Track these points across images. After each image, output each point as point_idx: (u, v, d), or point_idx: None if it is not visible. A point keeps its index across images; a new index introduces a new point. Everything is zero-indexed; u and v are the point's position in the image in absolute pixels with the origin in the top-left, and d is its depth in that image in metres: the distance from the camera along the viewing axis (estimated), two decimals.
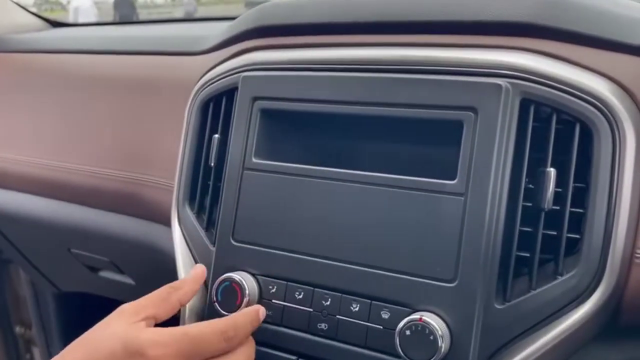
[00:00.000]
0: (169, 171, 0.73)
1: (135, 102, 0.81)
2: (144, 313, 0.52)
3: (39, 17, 1.21)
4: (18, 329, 1.53)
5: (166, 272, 0.69)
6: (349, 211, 0.55)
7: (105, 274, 1.09)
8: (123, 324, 0.50)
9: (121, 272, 1.03)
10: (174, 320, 0.56)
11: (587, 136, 0.50)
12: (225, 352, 0.50)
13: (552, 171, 0.50)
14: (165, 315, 0.54)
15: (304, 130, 0.61)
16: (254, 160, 0.61)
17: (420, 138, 0.56)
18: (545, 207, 0.49)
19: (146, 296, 0.54)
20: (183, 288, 0.56)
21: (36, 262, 1.20)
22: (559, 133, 0.51)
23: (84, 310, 1.36)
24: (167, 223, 0.72)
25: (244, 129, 0.62)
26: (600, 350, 0.54)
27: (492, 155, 0.50)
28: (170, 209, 0.71)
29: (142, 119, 0.80)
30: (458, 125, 0.52)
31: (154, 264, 0.89)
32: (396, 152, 0.57)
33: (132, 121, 0.80)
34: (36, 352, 1.52)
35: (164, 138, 0.76)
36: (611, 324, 0.52)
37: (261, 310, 0.55)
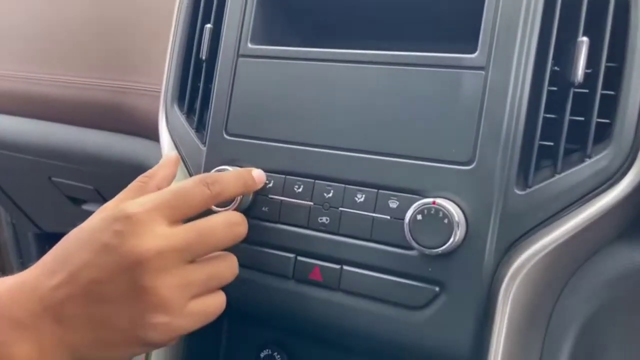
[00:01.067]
0: (157, 74, 0.67)
1: (116, 4, 0.74)
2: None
3: None
4: None
5: None
6: (354, 95, 0.50)
7: (89, 207, 1.04)
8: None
9: (105, 201, 0.97)
10: None
11: (623, 7, 0.45)
12: (208, 204, 0.46)
13: (584, 40, 0.44)
14: None
15: (304, 9, 0.55)
16: (249, 45, 0.55)
17: (435, 9, 0.50)
18: (577, 80, 0.44)
19: (122, 192, 0.50)
20: (157, 174, 0.51)
21: (16, 197, 1.14)
22: (591, 4, 0.46)
23: None
24: (156, 137, 0.66)
25: (239, 13, 0.56)
26: (625, 250, 0.50)
27: (518, 24, 0.45)
28: (158, 117, 0.65)
29: (127, 17, 0.73)
30: None
31: None
32: (407, 28, 0.52)
33: (115, 20, 0.74)
34: None
35: (151, 37, 0.70)
36: (638, 219, 0.48)
37: (256, 172, 0.51)
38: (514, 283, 0.44)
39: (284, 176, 0.52)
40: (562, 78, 0.46)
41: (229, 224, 0.46)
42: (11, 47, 0.83)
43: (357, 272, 0.49)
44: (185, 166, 0.61)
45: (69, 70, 0.77)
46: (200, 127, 0.61)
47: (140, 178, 0.51)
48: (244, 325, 0.61)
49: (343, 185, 0.50)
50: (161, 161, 0.53)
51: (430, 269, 0.46)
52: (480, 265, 0.45)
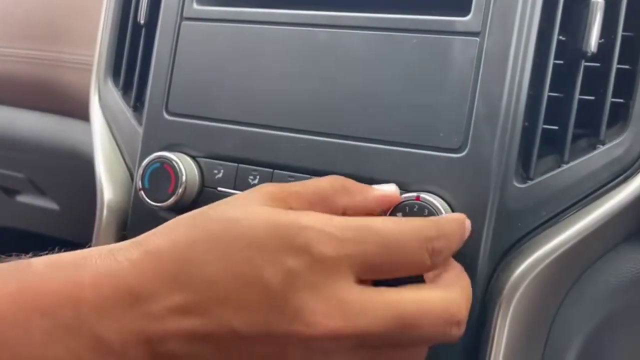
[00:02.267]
0: (92, 45, 0.57)
1: None
2: (293, 202, 0.32)
3: None
4: None
5: (95, 191, 0.53)
6: (320, 66, 0.41)
7: (23, 198, 0.93)
8: (269, 208, 0.31)
9: (42, 192, 0.86)
10: None
11: None
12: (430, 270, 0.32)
13: (599, 2, 0.37)
14: None
15: None
16: (195, 6, 0.46)
17: None
18: (590, 50, 0.37)
19: (301, 182, 0.35)
20: (360, 195, 0.35)
21: None
22: None
23: (5, 248, 1.18)
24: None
25: None
26: (633, 253, 0.43)
27: None
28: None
29: None
30: None
31: (78, 179, 0.73)
32: None
33: None
34: None
35: (85, 2, 0.59)
36: None
37: (467, 222, 0.35)
38: (513, 298, 0.36)
39: (236, 164, 0.43)
40: (570, 49, 0.39)
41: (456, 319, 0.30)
42: None
43: None
44: (120, 152, 0.51)
45: None
46: (138, 106, 0.51)
47: (336, 182, 0.35)
48: None
49: (308, 176, 0.41)
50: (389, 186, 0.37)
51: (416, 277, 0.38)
52: (472, 274, 0.37)
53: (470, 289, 0.33)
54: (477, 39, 0.37)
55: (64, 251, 0.31)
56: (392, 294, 0.29)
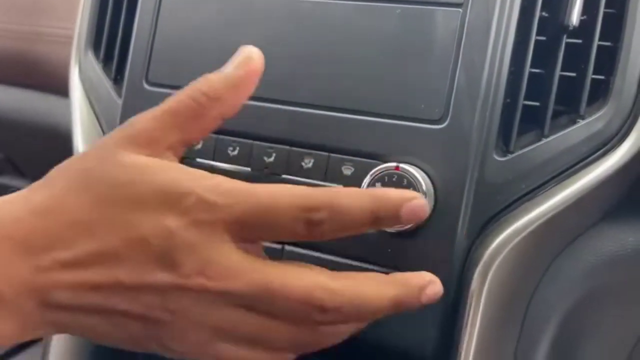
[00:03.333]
0: (72, 17, 0.56)
1: None
2: (166, 139, 0.33)
3: None
4: None
5: None
6: (304, 37, 0.41)
7: (4, 180, 0.91)
8: (139, 155, 0.32)
9: (21, 174, 0.85)
10: None
11: None
12: (308, 238, 0.31)
13: None
14: (197, 140, 0.37)
15: None
16: None
17: None
18: (571, 24, 0.37)
19: (163, 107, 0.34)
20: (225, 97, 0.34)
21: None
22: None
23: None
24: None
25: None
26: (612, 232, 0.43)
27: None
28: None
29: None
30: None
31: (60, 160, 0.72)
32: None
33: None
34: None
35: None
36: (631, 195, 0.41)
37: (417, 203, 0.31)
38: (489, 270, 0.36)
39: (215, 136, 0.43)
40: (552, 25, 0.39)
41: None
42: None
43: (300, 253, 0.40)
44: (100, 125, 0.51)
45: None
46: (119, 79, 0.51)
47: (197, 95, 0.33)
48: None
49: (287, 147, 0.41)
50: (231, 70, 0.35)
51: (389, 250, 0.38)
52: (450, 247, 0.37)
53: (365, 297, 0.31)
54: (459, 10, 0.37)
55: None
56: (265, 264, 0.30)
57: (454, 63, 0.37)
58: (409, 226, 0.36)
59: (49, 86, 0.64)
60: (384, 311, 0.31)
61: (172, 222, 0.29)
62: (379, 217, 0.31)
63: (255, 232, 0.31)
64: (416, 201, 0.31)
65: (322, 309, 0.30)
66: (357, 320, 0.32)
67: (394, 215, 0.31)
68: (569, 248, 0.42)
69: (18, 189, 0.88)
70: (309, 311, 0.30)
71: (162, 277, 0.29)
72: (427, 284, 0.32)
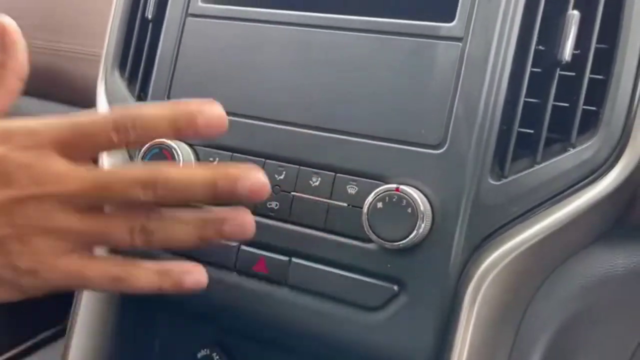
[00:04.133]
0: (100, 37, 0.60)
1: None
2: None
3: None
4: None
5: None
6: (314, 64, 0.44)
7: None
8: None
9: None
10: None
11: None
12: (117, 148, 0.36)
13: (575, 14, 0.39)
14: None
15: None
16: (200, 4, 0.49)
17: None
18: (564, 59, 0.39)
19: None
20: (15, 58, 0.40)
21: None
22: None
23: None
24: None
25: None
26: (603, 253, 0.45)
27: None
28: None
29: None
30: None
31: None
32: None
33: None
34: None
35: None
36: (621, 219, 0.44)
37: (207, 108, 0.35)
38: (482, 284, 0.39)
39: (230, 154, 0.46)
40: (547, 58, 0.41)
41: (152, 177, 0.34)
42: None
43: (307, 266, 0.43)
44: None
45: None
46: (142, 96, 0.54)
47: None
48: (181, 320, 0.55)
49: (297, 166, 0.44)
50: None
51: (389, 265, 0.40)
52: (446, 263, 0.39)
53: (182, 173, 0.35)
54: (459, 44, 0.40)
55: None
56: (93, 168, 0.36)
57: (453, 92, 0.40)
58: (408, 242, 0.38)
59: (74, 100, 0.68)
60: (199, 184, 0.34)
61: (2, 150, 0.34)
62: (179, 128, 0.35)
63: (77, 148, 0.35)
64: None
65: (145, 184, 0.34)
66: (181, 198, 0.35)
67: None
68: (562, 267, 0.44)
69: None
70: (137, 191, 0.34)
71: (1, 194, 0.33)
72: (245, 178, 0.35)
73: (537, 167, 0.40)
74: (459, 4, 0.40)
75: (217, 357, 0.51)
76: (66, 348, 0.54)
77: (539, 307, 0.44)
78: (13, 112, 0.77)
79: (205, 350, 0.52)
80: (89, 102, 0.65)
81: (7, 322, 1.00)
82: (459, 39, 0.40)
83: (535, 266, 0.42)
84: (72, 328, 0.53)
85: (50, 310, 0.82)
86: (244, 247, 0.45)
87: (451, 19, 0.41)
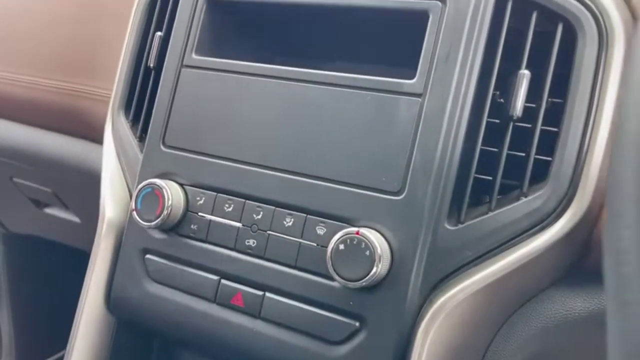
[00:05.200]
0: (112, 81, 0.66)
1: (81, 4, 0.73)
2: None
3: None
4: None
5: None
6: (290, 113, 0.48)
7: (51, 210, 1.02)
8: None
9: (65, 206, 0.95)
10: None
11: (570, 42, 0.43)
12: None
13: (526, 73, 0.42)
14: None
15: (251, 24, 0.54)
16: (193, 56, 0.54)
17: (382, 35, 0.49)
18: (515, 114, 0.42)
19: None
20: None
21: None
22: (538, 38, 0.44)
23: (33, 255, 1.28)
24: None
25: (186, 23, 0.54)
26: (562, 297, 0.47)
27: (458, 52, 0.43)
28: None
29: (88, 23, 0.72)
30: (424, 17, 0.44)
31: (96, 196, 0.81)
32: (351, 51, 0.50)
33: (77, 25, 0.73)
34: None
35: (110, 43, 0.68)
36: (579, 264, 0.46)
37: None
38: (433, 324, 0.41)
39: (215, 193, 0.50)
40: (505, 111, 0.44)
41: None
42: None
43: (279, 300, 0.46)
44: (124, 175, 0.59)
45: (30, 70, 0.76)
46: (143, 137, 0.59)
47: None
48: (170, 346, 0.58)
49: (273, 207, 0.48)
50: None
51: (351, 303, 0.43)
52: (403, 303, 0.42)
53: None
54: (419, 99, 0.44)
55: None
56: None
57: (412, 143, 0.43)
58: (367, 281, 0.42)
59: (87, 135, 0.74)
60: None
61: None
62: None
63: None
64: None
65: None
66: None
67: None
68: (522, 309, 0.46)
69: (64, 219, 0.98)
70: None
71: None
72: None
73: (491, 214, 0.43)
74: (420, 63, 0.44)
75: None
76: None
77: (500, 348, 0.46)
78: (33, 144, 0.84)
79: None
80: (100, 138, 0.70)
81: (8, 352, 1.06)
82: (418, 95, 0.44)
83: (491, 308, 0.44)
84: (70, 356, 0.58)
85: (49, 340, 0.86)
86: (224, 281, 0.49)
87: (412, 76, 0.44)
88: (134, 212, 0.51)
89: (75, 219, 0.96)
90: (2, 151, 0.88)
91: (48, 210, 1.02)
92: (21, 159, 0.86)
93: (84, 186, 0.83)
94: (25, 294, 1.25)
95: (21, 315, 1.22)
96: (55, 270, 1.23)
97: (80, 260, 0.77)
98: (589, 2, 0.42)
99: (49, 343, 0.97)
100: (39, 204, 1.02)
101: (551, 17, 0.43)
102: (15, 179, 0.95)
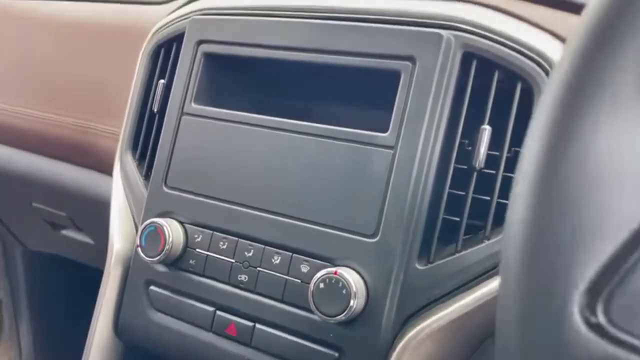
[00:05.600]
0: (121, 120, 0.71)
1: (96, 47, 0.79)
2: None
3: None
4: None
5: None
6: (277, 160, 0.53)
7: (67, 232, 1.08)
8: None
9: (80, 229, 1.01)
10: None
11: (529, 96, 0.47)
12: None
13: (487, 128, 0.47)
14: None
15: (245, 76, 0.59)
16: (192, 105, 0.59)
17: (361, 90, 0.53)
18: (477, 166, 0.47)
19: None
20: None
21: (4, 217, 1.19)
22: (500, 93, 0.48)
23: (51, 272, 1.35)
24: None
25: (186, 73, 0.59)
26: None
27: (426, 108, 0.47)
28: None
29: (100, 65, 0.78)
30: (396, 76, 0.49)
31: (107, 221, 0.87)
32: (334, 104, 0.55)
33: (89, 67, 0.79)
34: (5, 312, 1.51)
35: (119, 85, 0.74)
36: None
37: None
38: (405, 354, 0.46)
39: (211, 232, 0.55)
40: (470, 159, 0.49)
41: None
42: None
43: (268, 331, 0.51)
44: (130, 211, 0.64)
45: (43, 106, 0.82)
46: (149, 175, 0.64)
47: None
48: None
49: (263, 246, 0.53)
50: None
51: (331, 335, 0.48)
52: (377, 335, 0.47)
53: None
54: (391, 151, 0.48)
55: None
56: None
57: (385, 190, 0.48)
58: (344, 316, 0.46)
59: (97, 167, 0.80)
60: None
61: None
62: None
63: None
64: None
65: None
66: None
67: None
68: (485, 345, 0.50)
69: (79, 240, 1.04)
70: None
71: None
72: None
73: (457, 255, 0.47)
74: (392, 118, 0.49)
75: None
76: None
77: None
78: (49, 173, 0.90)
79: None
80: (110, 170, 0.76)
81: None
82: (391, 147, 0.48)
83: (456, 342, 0.48)
84: None
85: (69, 355, 0.92)
86: (219, 312, 0.54)
87: (385, 130, 0.49)
88: (138, 249, 0.56)
89: (89, 241, 1.02)
90: (24, 179, 0.94)
91: (64, 232, 1.08)
92: (39, 186, 0.92)
93: (96, 212, 0.88)
94: (45, 310, 1.32)
95: (41, 330, 1.29)
96: (74, 287, 1.29)
97: (97, 277, 0.82)
98: (544, 64, 0.46)
99: (68, 358, 1.03)
100: (56, 226, 1.09)
101: (511, 76, 0.47)
102: (34, 204, 1.02)
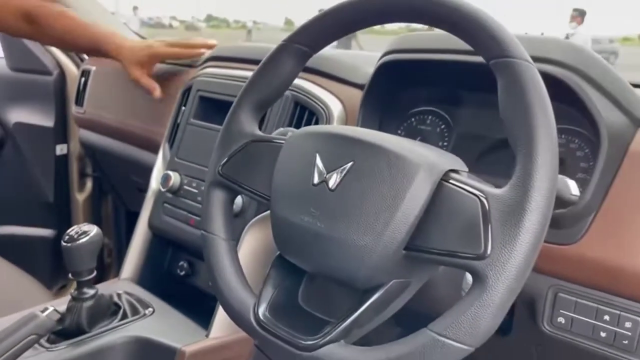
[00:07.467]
0: (165, 126, 1.37)
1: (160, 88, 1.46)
2: None
3: (139, 36, 1.94)
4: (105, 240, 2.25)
5: None
6: None
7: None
8: None
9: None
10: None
11: (316, 122, 1.04)
12: None
13: None
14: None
15: (218, 108, 1.22)
16: (191, 120, 1.22)
17: None
18: None
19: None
20: None
21: (116, 186, 1.92)
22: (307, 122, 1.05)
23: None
24: None
25: (191, 103, 1.23)
26: None
27: None
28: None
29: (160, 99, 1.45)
30: None
31: (146, 184, 1.54)
32: None
33: (154, 100, 1.46)
34: (113, 256, 2.25)
35: (166, 108, 1.40)
36: None
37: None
38: None
39: (191, 178, 1.18)
40: None
41: None
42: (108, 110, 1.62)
43: None
44: (162, 169, 1.29)
45: (130, 118, 1.52)
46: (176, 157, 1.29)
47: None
48: None
49: None
50: None
51: None
52: None
53: None
54: None
55: None
56: None
57: None
58: None
59: (152, 149, 1.46)
60: None
61: None
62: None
63: None
64: None
65: None
66: None
67: None
68: None
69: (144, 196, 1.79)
70: None
71: None
72: None
73: None
74: None
75: None
76: None
77: None
78: (133, 154, 1.60)
79: None
80: (155, 149, 1.41)
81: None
82: None
83: None
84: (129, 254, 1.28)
85: None
86: (194, 217, 1.15)
87: None
88: (160, 185, 1.20)
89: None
90: (125, 160, 1.65)
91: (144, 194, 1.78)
92: (133, 165, 1.62)
93: (135, 177, 1.58)
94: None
95: None
96: None
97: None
98: (326, 109, 1.03)
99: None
100: (142, 190, 1.78)
101: (310, 112, 1.05)
102: (131, 177, 1.72)
